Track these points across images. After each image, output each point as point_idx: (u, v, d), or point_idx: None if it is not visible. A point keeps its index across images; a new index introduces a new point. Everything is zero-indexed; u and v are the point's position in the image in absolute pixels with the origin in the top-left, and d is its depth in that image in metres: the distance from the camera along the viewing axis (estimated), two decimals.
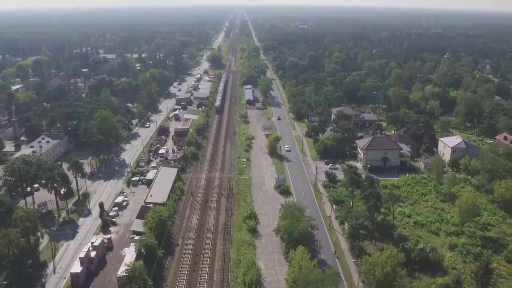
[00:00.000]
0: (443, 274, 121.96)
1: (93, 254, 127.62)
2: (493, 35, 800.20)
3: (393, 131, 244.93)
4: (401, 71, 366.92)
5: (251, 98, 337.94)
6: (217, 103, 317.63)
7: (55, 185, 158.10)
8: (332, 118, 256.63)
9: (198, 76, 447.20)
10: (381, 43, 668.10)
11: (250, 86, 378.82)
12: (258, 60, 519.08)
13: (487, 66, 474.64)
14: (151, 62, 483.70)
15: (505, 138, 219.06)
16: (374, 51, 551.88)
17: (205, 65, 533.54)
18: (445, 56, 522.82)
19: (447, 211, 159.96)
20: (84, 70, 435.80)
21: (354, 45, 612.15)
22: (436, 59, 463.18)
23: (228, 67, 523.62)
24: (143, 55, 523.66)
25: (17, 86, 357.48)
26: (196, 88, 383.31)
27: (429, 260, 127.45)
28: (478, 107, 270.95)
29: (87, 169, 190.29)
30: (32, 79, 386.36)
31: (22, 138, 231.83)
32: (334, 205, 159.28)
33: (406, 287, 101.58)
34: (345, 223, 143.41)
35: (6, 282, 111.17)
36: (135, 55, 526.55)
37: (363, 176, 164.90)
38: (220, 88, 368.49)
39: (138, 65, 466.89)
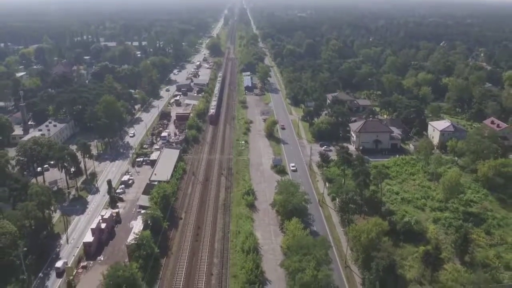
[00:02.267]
0: (426, 244, 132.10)
1: (103, 225, 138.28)
2: (490, 23, 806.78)
3: (385, 116, 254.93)
4: (395, 59, 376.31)
5: (250, 85, 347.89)
6: (212, 110, 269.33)
7: (65, 164, 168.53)
8: (327, 103, 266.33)
9: (198, 63, 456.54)
10: (378, 31, 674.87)
11: (248, 73, 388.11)
12: (257, 48, 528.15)
13: (482, 54, 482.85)
14: (151, 50, 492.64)
15: (492, 122, 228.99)
16: (370, 39, 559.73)
17: (204, 52, 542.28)
18: (441, 44, 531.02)
19: (433, 189, 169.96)
20: (86, 57, 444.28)
21: (351, 33, 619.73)
22: (431, 47, 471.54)
23: (227, 54, 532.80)
24: (143, 43, 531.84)
25: (21, 73, 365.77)
26: (196, 75, 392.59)
27: (413, 232, 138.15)
28: (468, 93, 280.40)
29: (94, 151, 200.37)
30: (35, 67, 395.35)
31: (29, 123, 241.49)
32: (327, 183, 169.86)
33: (388, 250, 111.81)
34: (337, 198, 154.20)
35: (26, 248, 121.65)
36: (136, 43, 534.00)
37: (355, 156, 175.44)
38: (216, 90, 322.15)
39: (139, 52, 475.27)
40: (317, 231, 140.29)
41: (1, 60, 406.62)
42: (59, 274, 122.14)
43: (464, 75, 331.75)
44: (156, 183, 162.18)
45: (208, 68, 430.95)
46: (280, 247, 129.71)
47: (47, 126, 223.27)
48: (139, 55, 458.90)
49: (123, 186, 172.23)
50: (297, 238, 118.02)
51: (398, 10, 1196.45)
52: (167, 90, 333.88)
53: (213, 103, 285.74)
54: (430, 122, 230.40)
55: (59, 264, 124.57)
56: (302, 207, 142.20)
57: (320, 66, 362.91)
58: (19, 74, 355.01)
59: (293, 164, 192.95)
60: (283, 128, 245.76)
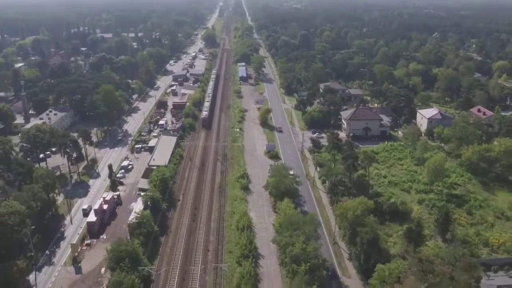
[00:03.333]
0: (410, 223, 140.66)
1: (105, 207, 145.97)
2: (483, 15, 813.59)
3: (376, 104, 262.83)
4: (387, 49, 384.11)
5: (244, 75, 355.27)
6: (204, 113, 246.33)
7: (67, 150, 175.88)
8: (320, 92, 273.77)
9: (194, 54, 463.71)
10: (372, 22, 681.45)
11: (243, 63, 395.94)
12: (251, 39, 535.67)
13: (473, 45, 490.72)
14: (147, 41, 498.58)
15: (479, 110, 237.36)
16: (364, 30, 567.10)
17: (199, 44, 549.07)
18: (434, 35, 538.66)
19: (419, 173, 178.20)
20: (83, 49, 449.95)
21: (345, 24, 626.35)
22: (423, 38, 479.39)
23: (223, 45, 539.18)
24: (140, 34, 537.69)
25: (19, 64, 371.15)
26: (191, 65, 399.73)
27: (399, 212, 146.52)
28: (457, 83, 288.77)
29: (94, 139, 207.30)
30: (33, 58, 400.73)
31: (30, 112, 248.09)
32: (318, 168, 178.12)
33: (372, 226, 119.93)
34: (326, 181, 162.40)
35: (34, 227, 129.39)
36: (132, 34, 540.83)
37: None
38: (210, 89, 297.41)
39: (135, 43, 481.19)
40: (308, 211, 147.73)
41: None
42: (86, 214, 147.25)
43: (454, 65, 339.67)
44: (154, 167, 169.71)
45: (203, 59, 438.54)
46: (272, 225, 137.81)
47: (47, 114, 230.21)
48: (135, 46, 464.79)
49: (123, 171, 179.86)
50: (288, 216, 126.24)
51: (392, 2, 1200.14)
52: (156, 89, 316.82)
53: (206, 104, 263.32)
54: (418, 110, 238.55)
55: (85, 206, 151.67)
56: (293, 188, 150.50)
57: (313, 57, 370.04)
58: (17, 65, 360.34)
59: (292, 172, 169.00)
60: (280, 131, 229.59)
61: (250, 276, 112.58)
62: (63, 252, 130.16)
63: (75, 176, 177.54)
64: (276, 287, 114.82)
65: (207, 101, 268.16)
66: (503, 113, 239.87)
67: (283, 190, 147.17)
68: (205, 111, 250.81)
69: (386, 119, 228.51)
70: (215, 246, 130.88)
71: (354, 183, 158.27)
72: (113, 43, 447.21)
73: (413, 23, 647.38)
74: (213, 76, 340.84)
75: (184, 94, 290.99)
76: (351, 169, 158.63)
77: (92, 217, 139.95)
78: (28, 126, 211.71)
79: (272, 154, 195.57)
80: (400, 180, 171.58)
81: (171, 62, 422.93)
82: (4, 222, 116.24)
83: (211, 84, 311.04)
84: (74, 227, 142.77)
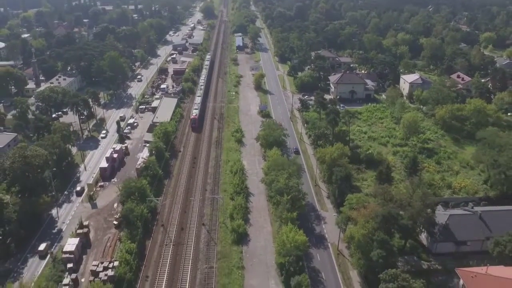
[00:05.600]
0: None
1: (115, 155, 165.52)
2: None
3: (363, 71, 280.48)
4: (378, 20, 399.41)
5: (241, 44, 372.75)
6: (194, 112, 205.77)
7: (79, 108, 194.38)
8: (311, 59, 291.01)
9: (192, 25, 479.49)
10: None
11: (240, 34, 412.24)
12: (248, 11, 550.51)
13: (464, 18, 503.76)
14: (147, 13, 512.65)
15: (458, 76, 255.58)
16: (359, 2, 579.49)
17: (198, 15, 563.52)
18: (427, 8, 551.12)
19: (397, 130, 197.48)
20: (85, 20, 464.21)
21: None
22: (415, 10, 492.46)
23: (220, 17, 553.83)
24: (139, 6, 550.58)
25: (25, 35, 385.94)
26: (190, 36, 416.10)
27: (374, 160, 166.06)
28: (441, 52, 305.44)
29: (101, 101, 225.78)
30: (37, 29, 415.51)
31: (40, 78, 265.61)
32: (305, 124, 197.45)
33: (345, 165, 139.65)
34: (311, 135, 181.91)
35: (55, 168, 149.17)
36: (132, 7, 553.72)
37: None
38: (202, 79, 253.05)
39: (136, 15, 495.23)
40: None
41: (3, 24, 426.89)
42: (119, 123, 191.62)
43: (441, 36, 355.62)
44: (158, 124, 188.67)
45: (202, 29, 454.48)
46: (262, 169, 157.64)
47: (57, 79, 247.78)
48: (136, 18, 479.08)
49: (129, 127, 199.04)
50: (275, 159, 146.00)
51: None
52: (140, 81, 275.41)
53: (197, 99, 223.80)
54: (402, 76, 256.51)
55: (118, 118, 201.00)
56: (281, 140, 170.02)
57: (307, 27, 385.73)
58: (23, 36, 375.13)
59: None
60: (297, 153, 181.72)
61: (241, 207, 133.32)
62: (80, 192, 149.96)
63: (86, 133, 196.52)
64: (263, 218, 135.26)
65: (198, 96, 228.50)
66: (483, 80, 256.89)
67: (272, 140, 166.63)
68: (196, 108, 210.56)
69: (371, 84, 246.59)
70: (212, 186, 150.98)
71: (336, 136, 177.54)
72: (114, 15, 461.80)
73: None
74: (206, 63, 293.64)
75: (183, 62, 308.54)
76: (333, 123, 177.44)
77: (104, 163, 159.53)
78: (39, 90, 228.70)
79: (265, 113, 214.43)
80: (378, 136, 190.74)
81: (171, 33, 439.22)
82: (30, 163, 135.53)
83: (204, 74, 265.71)
84: (88, 173, 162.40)
